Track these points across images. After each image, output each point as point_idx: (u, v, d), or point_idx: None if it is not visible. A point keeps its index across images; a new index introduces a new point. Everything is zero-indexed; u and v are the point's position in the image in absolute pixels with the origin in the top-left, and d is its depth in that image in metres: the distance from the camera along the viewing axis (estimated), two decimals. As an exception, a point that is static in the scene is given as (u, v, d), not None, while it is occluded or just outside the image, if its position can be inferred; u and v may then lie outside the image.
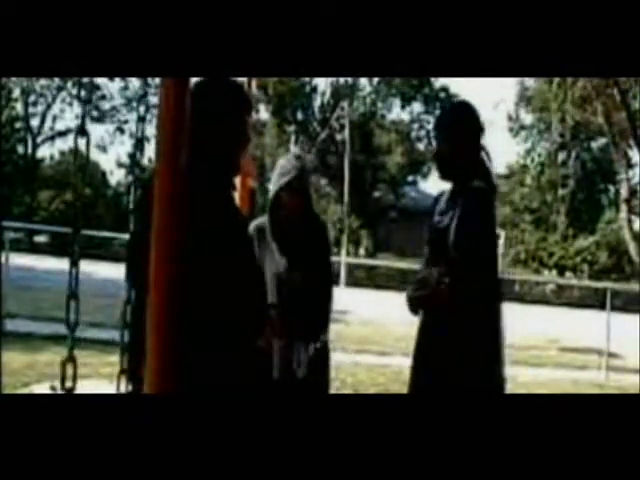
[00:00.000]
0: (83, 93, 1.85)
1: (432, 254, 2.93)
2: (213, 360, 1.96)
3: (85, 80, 1.96)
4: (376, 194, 33.96)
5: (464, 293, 2.73)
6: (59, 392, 1.68)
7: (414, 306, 2.92)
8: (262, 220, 3.21)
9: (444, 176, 2.96)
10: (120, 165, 37.07)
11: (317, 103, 35.33)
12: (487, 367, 2.81)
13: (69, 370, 1.69)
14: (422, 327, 2.93)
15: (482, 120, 2.94)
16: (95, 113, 33.66)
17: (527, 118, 37.15)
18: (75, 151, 1.75)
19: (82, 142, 1.72)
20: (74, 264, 1.67)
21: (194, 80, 1.89)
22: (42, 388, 5.23)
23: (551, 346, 11.95)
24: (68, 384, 1.70)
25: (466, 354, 2.75)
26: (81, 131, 1.73)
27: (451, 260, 2.76)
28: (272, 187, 3.17)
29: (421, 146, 34.33)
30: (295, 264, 3.12)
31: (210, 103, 2.03)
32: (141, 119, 2.07)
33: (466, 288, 2.73)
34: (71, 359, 1.68)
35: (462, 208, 2.78)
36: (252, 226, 3.16)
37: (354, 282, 22.51)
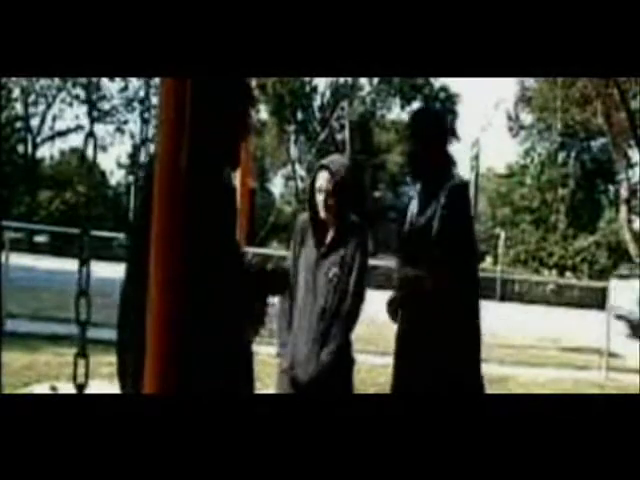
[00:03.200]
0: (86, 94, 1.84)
1: (410, 253, 2.96)
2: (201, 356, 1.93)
3: (86, 80, 1.95)
4: (376, 194, 33.98)
5: (446, 289, 2.77)
6: (59, 392, 1.68)
7: (392, 307, 2.96)
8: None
9: (415, 176, 3.07)
10: (120, 165, 37.16)
11: (317, 103, 35.34)
12: (467, 364, 2.86)
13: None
14: (402, 325, 2.96)
15: (448, 126, 3.03)
16: (95, 113, 33.65)
17: (527, 118, 37.16)
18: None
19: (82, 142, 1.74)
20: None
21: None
22: (42, 388, 5.22)
23: (551, 346, 11.95)
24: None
25: (446, 351, 2.79)
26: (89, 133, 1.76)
27: (433, 257, 2.80)
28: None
29: (421, 146, 34.34)
30: (325, 259, 2.99)
31: (213, 91, 1.99)
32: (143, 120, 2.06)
33: (449, 284, 2.78)
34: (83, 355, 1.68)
35: (444, 206, 2.83)
36: (303, 216, 3.13)
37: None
